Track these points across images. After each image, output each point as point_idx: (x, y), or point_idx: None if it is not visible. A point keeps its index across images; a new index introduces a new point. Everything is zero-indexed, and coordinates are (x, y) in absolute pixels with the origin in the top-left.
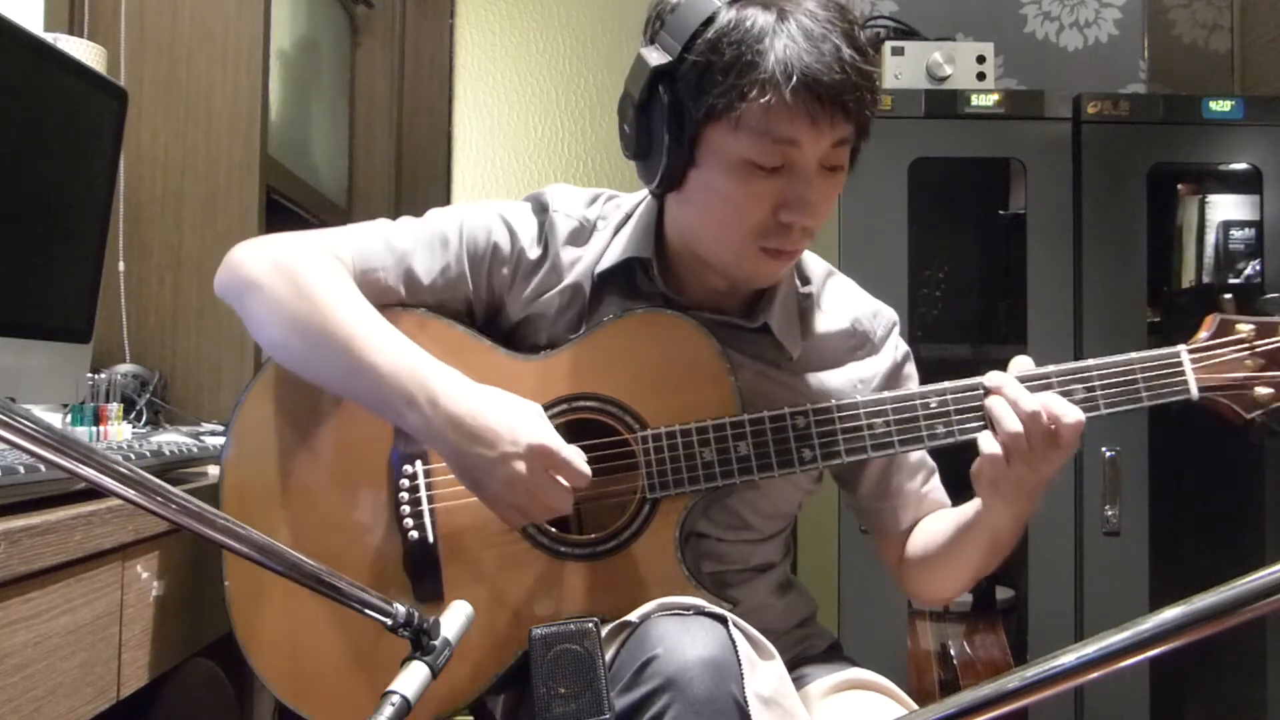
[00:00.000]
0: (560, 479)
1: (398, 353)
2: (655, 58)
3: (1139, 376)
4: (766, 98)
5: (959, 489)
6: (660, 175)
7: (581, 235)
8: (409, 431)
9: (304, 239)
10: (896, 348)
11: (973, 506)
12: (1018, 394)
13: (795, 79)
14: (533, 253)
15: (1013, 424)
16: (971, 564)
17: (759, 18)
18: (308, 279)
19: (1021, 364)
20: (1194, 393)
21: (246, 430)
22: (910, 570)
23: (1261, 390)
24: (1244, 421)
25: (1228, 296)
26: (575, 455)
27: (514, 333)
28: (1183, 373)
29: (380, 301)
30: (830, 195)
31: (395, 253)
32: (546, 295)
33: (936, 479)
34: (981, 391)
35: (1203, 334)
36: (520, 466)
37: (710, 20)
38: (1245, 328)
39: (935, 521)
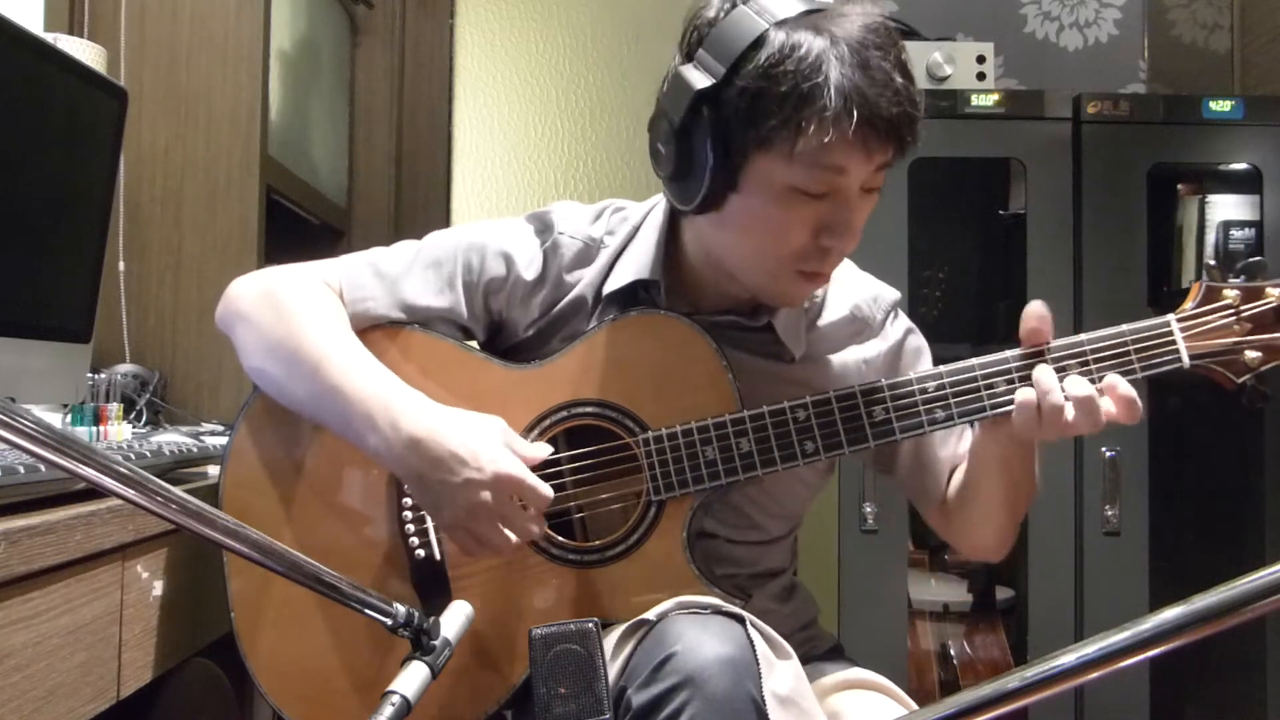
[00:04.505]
0: (527, 507)
1: (364, 376)
2: (698, 79)
3: (1131, 348)
4: (828, 135)
5: None
6: (700, 199)
7: (587, 256)
8: (370, 455)
9: (298, 269)
10: (898, 327)
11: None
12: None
13: (857, 115)
14: (529, 274)
15: (1056, 397)
16: (995, 505)
17: (813, 44)
18: (288, 306)
19: (1038, 308)
20: (1186, 361)
21: (245, 451)
22: (953, 521)
23: (1251, 354)
24: (1235, 386)
25: (1212, 263)
26: (539, 481)
27: (518, 348)
28: (1174, 342)
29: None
30: (866, 216)
31: (386, 280)
32: (551, 313)
33: (969, 434)
34: (978, 375)
35: (1189, 303)
36: (485, 495)
37: (759, 43)
38: (1231, 293)
39: (960, 471)
